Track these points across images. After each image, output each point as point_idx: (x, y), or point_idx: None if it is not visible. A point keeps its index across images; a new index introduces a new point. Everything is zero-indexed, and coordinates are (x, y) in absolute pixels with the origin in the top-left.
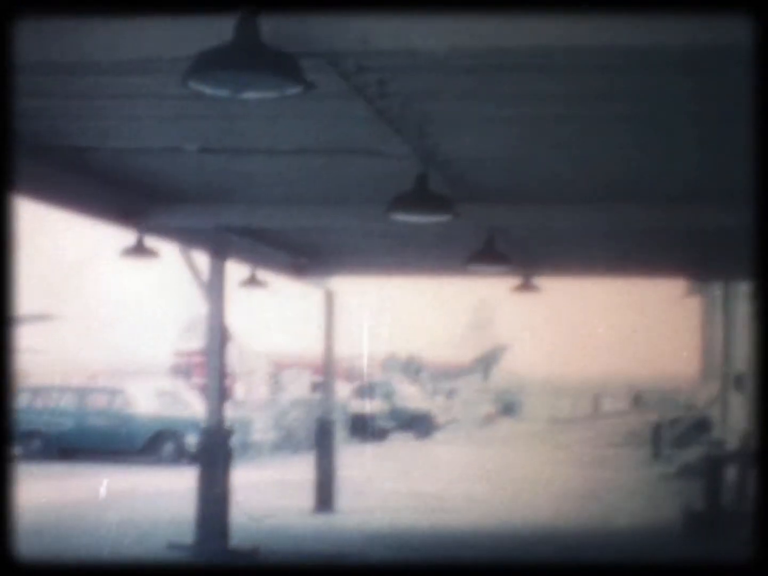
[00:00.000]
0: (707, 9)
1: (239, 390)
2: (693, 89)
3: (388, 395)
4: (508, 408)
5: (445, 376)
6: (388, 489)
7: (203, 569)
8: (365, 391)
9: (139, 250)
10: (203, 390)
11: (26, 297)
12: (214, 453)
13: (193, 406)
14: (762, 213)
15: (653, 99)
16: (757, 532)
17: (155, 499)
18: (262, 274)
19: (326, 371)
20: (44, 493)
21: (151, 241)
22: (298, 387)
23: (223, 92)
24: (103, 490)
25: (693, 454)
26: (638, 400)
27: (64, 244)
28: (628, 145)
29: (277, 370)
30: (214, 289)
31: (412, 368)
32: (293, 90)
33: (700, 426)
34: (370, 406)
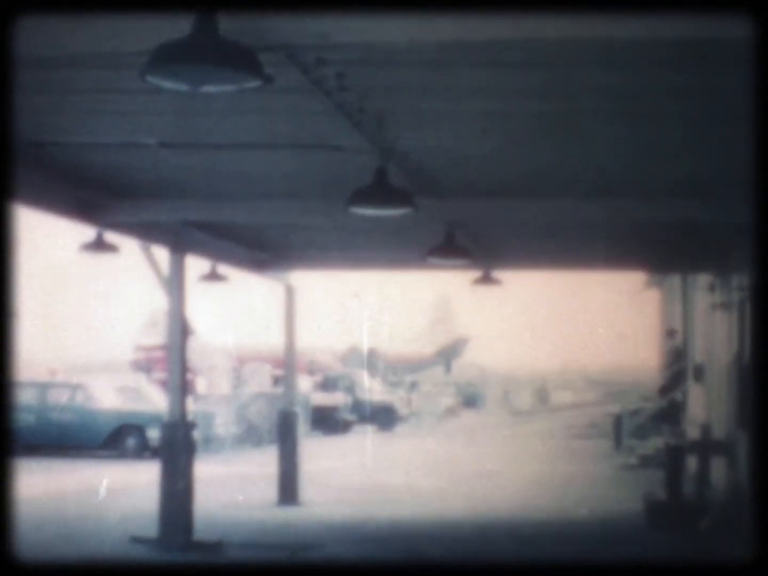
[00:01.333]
0: (706, 8)
1: (201, 384)
2: (657, 84)
3: (350, 388)
4: (469, 400)
5: (407, 368)
6: (351, 481)
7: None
8: (327, 384)
9: (98, 245)
10: (165, 385)
11: None
12: (176, 447)
13: (155, 401)
14: (762, 212)
15: (620, 94)
16: (756, 532)
17: (118, 493)
18: (223, 269)
19: (287, 365)
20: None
21: (111, 236)
22: (260, 381)
23: (181, 86)
24: (103, 490)
25: (654, 444)
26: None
27: (21, 239)
28: (587, 138)
29: (239, 364)
30: (175, 283)
31: (372, 361)
32: (252, 84)
33: (661, 416)
34: (332, 399)
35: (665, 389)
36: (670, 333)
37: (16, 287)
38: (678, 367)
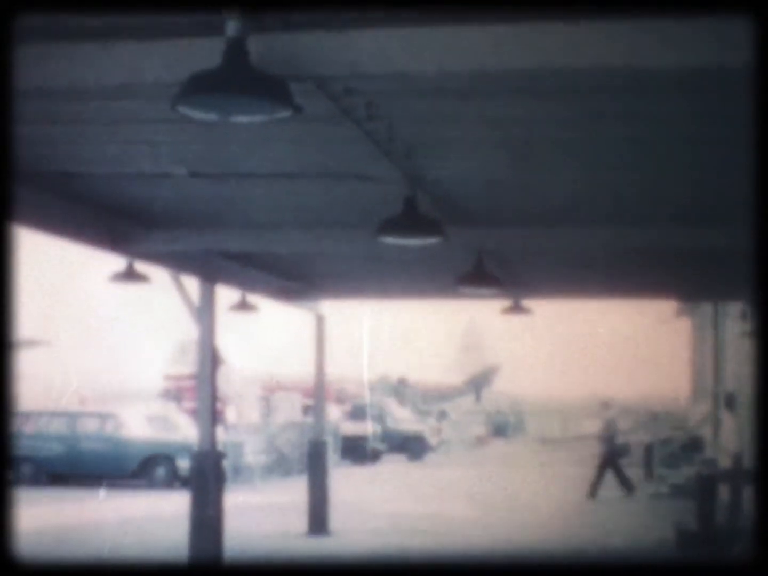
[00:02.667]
0: (706, 9)
1: (230, 413)
2: (684, 111)
3: (380, 417)
4: (499, 429)
5: (437, 397)
6: (381, 511)
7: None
8: (356, 413)
9: (129, 274)
10: (194, 414)
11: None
12: (206, 476)
13: (185, 430)
14: (761, 231)
15: (647, 121)
16: (757, 533)
17: (147, 523)
18: (253, 298)
19: (317, 394)
20: (35, 518)
21: (142, 266)
22: (289, 410)
23: (211, 116)
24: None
25: (685, 473)
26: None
27: (53, 269)
28: (619, 167)
29: (268, 394)
30: (205, 313)
31: (402, 390)
32: (282, 113)
33: (692, 445)
34: (361, 428)
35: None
36: (605, 405)
37: (16, 313)
38: (609, 442)
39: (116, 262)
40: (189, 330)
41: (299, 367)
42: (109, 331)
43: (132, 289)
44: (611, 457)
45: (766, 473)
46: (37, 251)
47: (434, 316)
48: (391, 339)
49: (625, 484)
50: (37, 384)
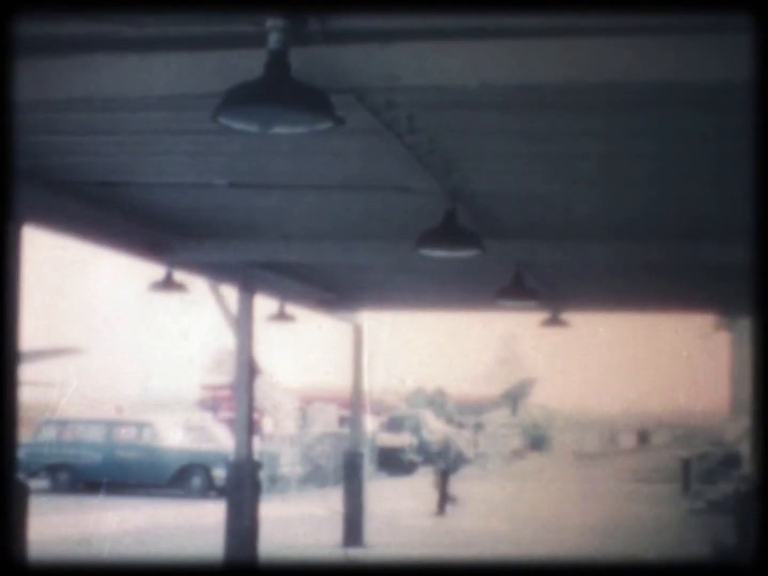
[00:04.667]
0: (707, 9)
1: (267, 424)
2: (717, 126)
3: (416, 429)
4: (536, 442)
5: (473, 409)
6: (416, 523)
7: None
8: (393, 424)
9: (167, 284)
10: (231, 424)
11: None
12: (242, 487)
13: (221, 440)
14: (761, 238)
15: (680, 136)
16: (757, 533)
17: (183, 532)
18: (291, 309)
19: (354, 405)
20: (69, 526)
21: (180, 275)
22: (326, 421)
23: (253, 127)
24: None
25: (723, 489)
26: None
27: (91, 278)
28: (656, 182)
29: (305, 404)
30: (243, 323)
31: (438, 401)
32: (323, 125)
33: (730, 461)
34: (397, 440)
35: None
36: (459, 425)
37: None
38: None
39: (157, 271)
40: (227, 340)
41: (336, 378)
42: (148, 341)
43: (171, 298)
44: (445, 474)
45: (766, 475)
46: (80, 261)
47: (471, 328)
48: (428, 351)
49: (443, 502)
50: (75, 392)
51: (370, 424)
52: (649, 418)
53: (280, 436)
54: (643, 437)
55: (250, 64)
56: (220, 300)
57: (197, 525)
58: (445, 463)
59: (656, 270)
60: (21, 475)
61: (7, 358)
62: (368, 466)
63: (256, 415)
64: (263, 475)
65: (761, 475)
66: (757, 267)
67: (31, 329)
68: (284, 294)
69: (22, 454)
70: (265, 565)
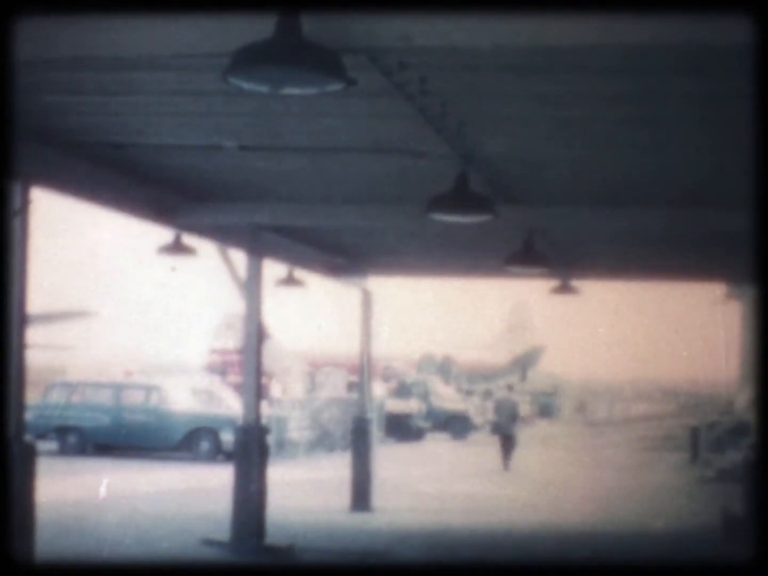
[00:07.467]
0: (707, 8)
1: (275, 388)
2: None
3: (424, 395)
4: (544, 410)
5: (482, 377)
6: (424, 489)
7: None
8: (401, 390)
9: (176, 247)
10: (239, 388)
11: (63, 294)
12: (250, 451)
13: (229, 404)
14: (762, 214)
15: (707, 100)
16: (757, 532)
17: (190, 495)
18: (300, 273)
19: (362, 370)
20: (77, 487)
21: (189, 239)
22: (334, 386)
23: (263, 88)
24: (102, 490)
25: (732, 458)
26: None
27: (100, 241)
28: (672, 145)
29: (313, 369)
30: (252, 287)
31: (447, 368)
32: (334, 86)
33: (739, 430)
34: (406, 406)
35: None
36: (509, 387)
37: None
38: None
39: (165, 235)
40: (235, 304)
41: (345, 344)
42: (156, 305)
43: (179, 261)
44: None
45: (765, 472)
46: (89, 224)
47: (481, 295)
48: (438, 317)
49: (506, 460)
50: (83, 355)
51: (379, 390)
52: (658, 387)
53: (288, 401)
54: (652, 405)
55: (262, 25)
56: (228, 264)
57: (205, 488)
58: (506, 425)
59: (668, 237)
60: (29, 437)
61: (13, 320)
62: (376, 432)
63: (264, 380)
64: (271, 439)
65: (760, 473)
66: (758, 234)
67: (42, 293)
68: (293, 258)
69: (30, 415)
70: (266, 565)
